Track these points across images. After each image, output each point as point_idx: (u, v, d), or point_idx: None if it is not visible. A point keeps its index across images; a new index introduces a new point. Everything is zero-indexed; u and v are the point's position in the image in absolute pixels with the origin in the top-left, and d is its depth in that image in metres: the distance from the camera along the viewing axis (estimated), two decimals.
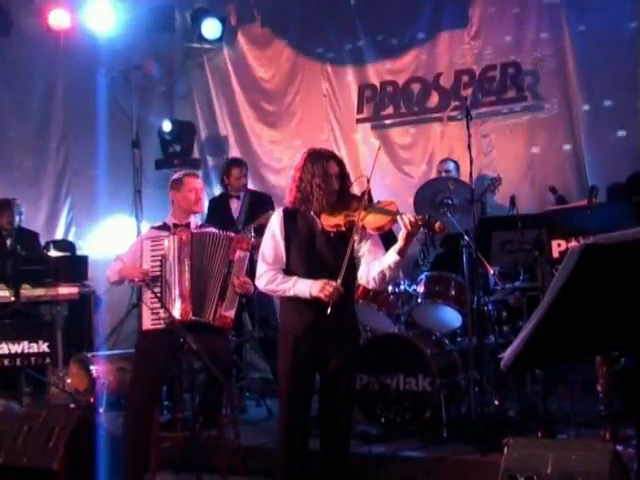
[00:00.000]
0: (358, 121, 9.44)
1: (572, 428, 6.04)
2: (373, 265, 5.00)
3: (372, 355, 6.48)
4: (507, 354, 3.00)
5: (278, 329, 5.34)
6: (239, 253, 6.17)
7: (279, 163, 9.56)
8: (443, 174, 7.98)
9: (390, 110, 9.29)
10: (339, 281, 4.88)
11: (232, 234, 6.37)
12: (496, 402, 6.49)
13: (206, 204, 9.77)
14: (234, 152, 10.02)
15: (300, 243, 5.13)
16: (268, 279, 5.16)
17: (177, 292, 6.09)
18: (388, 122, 9.32)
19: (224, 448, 6.09)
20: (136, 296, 7.31)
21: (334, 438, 5.22)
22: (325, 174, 5.08)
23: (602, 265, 2.81)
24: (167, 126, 9.77)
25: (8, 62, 9.77)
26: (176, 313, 5.99)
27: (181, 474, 6.17)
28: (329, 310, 4.85)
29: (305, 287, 4.99)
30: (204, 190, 6.56)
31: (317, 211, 5.12)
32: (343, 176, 5.19)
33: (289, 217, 5.18)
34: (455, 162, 8.17)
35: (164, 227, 6.40)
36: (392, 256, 4.90)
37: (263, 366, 8.79)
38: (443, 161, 8.29)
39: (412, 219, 4.77)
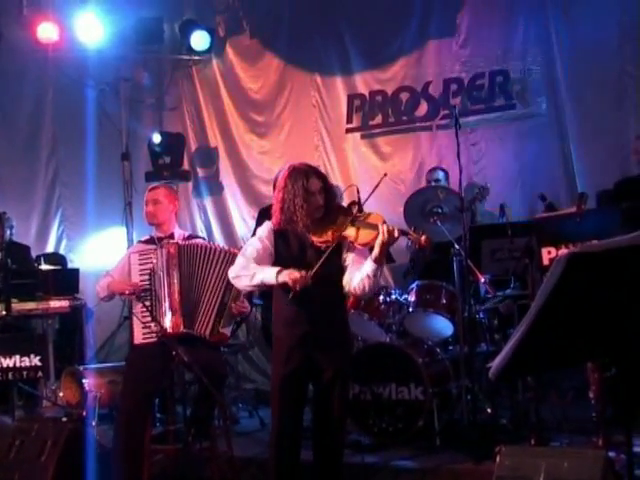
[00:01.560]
0: (348, 131, 9.45)
1: (564, 435, 6.06)
2: (354, 274, 5.00)
3: (364, 365, 6.48)
4: (495, 363, 3.01)
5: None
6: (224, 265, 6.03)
7: (269, 174, 9.56)
8: (432, 183, 8.00)
9: (379, 119, 9.30)
10: (311, 273, 4.86)
11: (232, 249, 6.18)
12: (488, 410, 6.51)
13: (196, 214, 10.20)
14: (224, 163, 10.02)
15: (291, 257, 5.12)
16: (239, 267, 5.16)
17: (167, 305, 6.06)
18: (377, 131, 9.34)
19: (217, 460, 6.08)
20: (127, 309, 7.35)
21: (327, 448, 5.23)
22: (306, 192, 5.07)
23: (589, 273, 2.82)
24: (157, 138, 9.76)
25: None
26: (167, 326, 5.97)
27: None
28: (290, 295, 4.88)
29: (272, 272, 4.98)
30: (166, 201, 6.38)
31: (303, 229, 5.10)
32: (327, 190, 5.18)
33: (279, 233, 5.18)
34: (444, 171, 8.20)
35: (151, 240, 6.39)
36: (369, 264, 4.92)
37: (255, 377, 8.80)
38: (432, 170, 8.31)
39: (390, 228, 4.78)
